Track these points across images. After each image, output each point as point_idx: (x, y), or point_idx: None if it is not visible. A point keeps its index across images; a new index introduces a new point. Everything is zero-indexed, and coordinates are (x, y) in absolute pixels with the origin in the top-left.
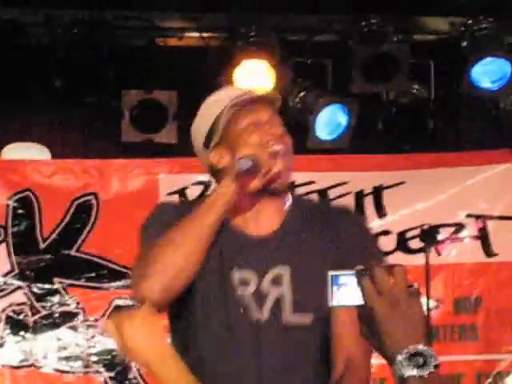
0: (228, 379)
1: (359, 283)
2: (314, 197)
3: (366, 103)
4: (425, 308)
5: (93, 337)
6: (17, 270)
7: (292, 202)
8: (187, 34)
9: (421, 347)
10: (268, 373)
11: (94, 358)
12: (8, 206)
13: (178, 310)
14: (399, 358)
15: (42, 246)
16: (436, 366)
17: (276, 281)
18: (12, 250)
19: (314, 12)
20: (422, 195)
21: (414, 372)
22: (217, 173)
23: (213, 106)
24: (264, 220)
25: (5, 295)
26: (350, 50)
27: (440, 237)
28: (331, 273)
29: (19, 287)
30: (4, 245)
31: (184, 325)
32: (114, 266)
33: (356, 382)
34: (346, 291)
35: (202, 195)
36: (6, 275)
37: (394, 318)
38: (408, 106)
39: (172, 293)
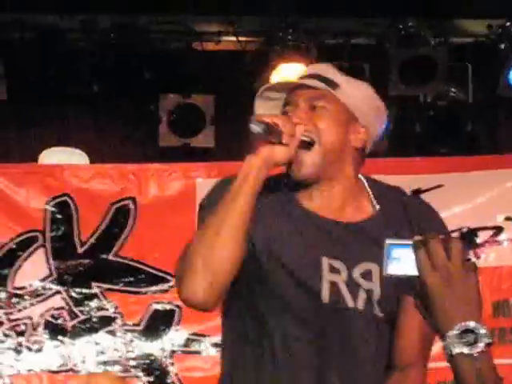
0: (309, 360)
1: (415, 255)
2: None
3: (403, 106)
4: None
5: (131, 341)
6: (55, 275)
7: (372, 190)
8: (224, 38)
9: (472, 324)
10: (353, 361)
11: (133, 363)
12: (46, 210)
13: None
14: (449, 334)
15: (80, 250)
16: (488, 345)
17: (365, 275)
18: (50, 255)
19: (351, 15)
20: (461, 198)
21: (463, 349)
22: None
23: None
24: (349, 208)
25: (43, 300)
26: (387, 53)
27: (479, 240)
28: (388, 241)
29: (57, 292)
30: (42, 249)
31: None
32: (151, 271)
33: (414, 373)
34: (401, 262)
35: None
36: (44, 280)
37: (447, 292)
38: (446, 109)
39: (218, 288)
